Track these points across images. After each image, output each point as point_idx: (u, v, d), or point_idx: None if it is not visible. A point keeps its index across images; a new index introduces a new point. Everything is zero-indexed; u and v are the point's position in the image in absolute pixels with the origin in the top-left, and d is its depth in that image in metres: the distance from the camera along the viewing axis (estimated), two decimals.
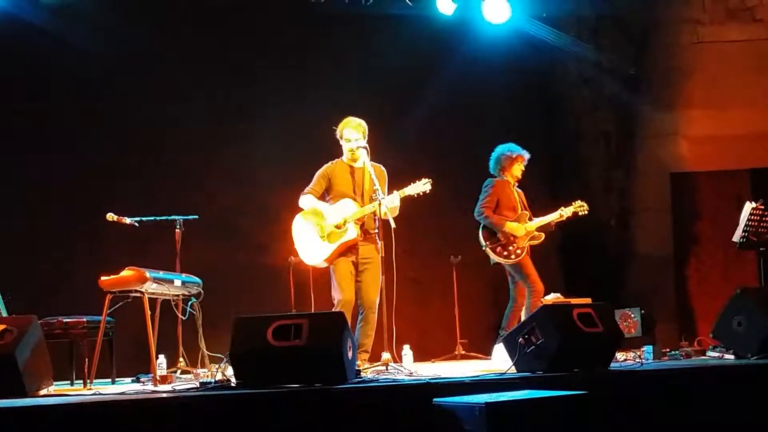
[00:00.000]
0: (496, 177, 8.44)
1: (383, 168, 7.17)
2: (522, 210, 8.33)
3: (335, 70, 9.70)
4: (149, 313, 6.46)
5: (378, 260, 6.74)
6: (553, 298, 9.05)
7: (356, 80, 9.58)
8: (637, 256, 10.27)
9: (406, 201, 6.98)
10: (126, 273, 6.35)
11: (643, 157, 10.51)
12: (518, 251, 8.18)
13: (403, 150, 9.24)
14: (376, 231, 6.80)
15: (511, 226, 8.19)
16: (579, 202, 8.46)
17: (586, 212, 8.47)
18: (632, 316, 9.21)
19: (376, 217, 6.74)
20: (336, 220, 6.95)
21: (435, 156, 9.67)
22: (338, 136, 7.16)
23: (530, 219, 8.29)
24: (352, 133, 7.06)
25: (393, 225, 6.49)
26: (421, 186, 6.98)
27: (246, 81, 9.57)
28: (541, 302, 8.01)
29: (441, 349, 9.41)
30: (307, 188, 7.15)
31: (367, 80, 9.64)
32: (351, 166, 7.15)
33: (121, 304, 6.57)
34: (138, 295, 6.42)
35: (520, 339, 5.69)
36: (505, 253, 8.19)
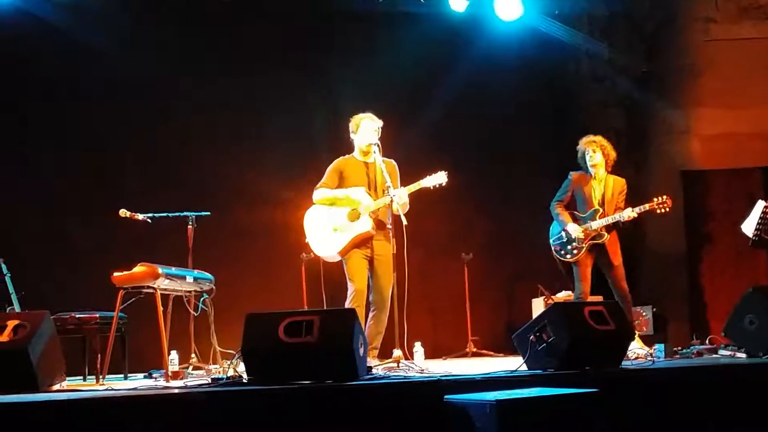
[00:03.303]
0: (578, 170, 8.15)
1: (394, 163, 7.14)
2: (598, 206, 7.92)
3: (347, 68, 9.70)
4: (161, 309, 6.46)
5: (391, 257, 6.69)
6: (564, 295, 9.05)
7: (368, 78, 9.58)
8: (649, 254, 10.22)
9: (420, 195, 6.92)
10: (138, 269, 6.35)
11: (655, 155, 10.47)
12: (574, 251, 7.89)
13: (415, 147, 9.22)
14: (390, 227, 6.78)
15: (570, 228, 7.91)
16: (661, 198, 7.77)
17: (668, 209, 7.80)
18: (644, 314, 9.19)
19: (390, 212, 6.71)
20: (347, 214, 6.91)
21: (446, 153, 9.63)
22: (352, 130, 7.11)
23: (601, 217, 7.86)
24: (371, 125, 7.01)
25: (405, 222, 6.45)
26: (438, 178, 6.88)
27: (258, 77, 9.58)
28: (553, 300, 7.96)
29: (452, 347, 9.41)
30: (319, 183, 7.09)
31: (380, 78, 9.63)
32: (363, 162, 7.12)
33: (133, 300, 6.57)
34: (150, 291, 6.43)
35: (532, 336, 5.67)
36: (563, 251, 7.97)
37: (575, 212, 8.01)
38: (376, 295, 6.91)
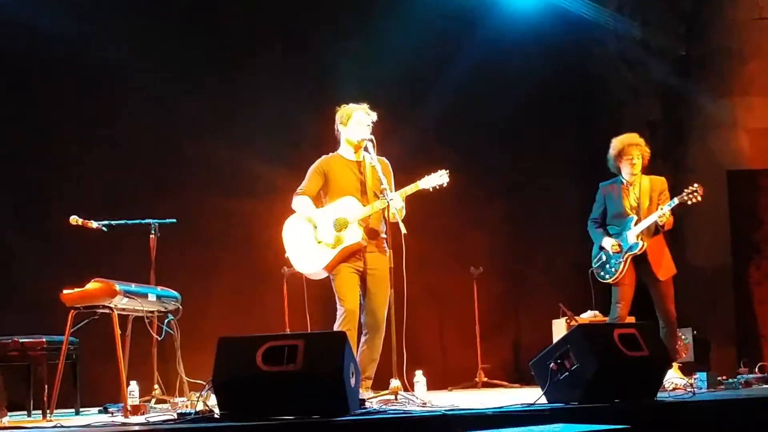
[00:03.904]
0: (610, 180, 8.12)
1: (387, 162, 7.08)
2: (633, 213, 7.88)
3: (338, 53, 9.71)
4: (119, 332, 6.45)
5: (386, 272, 6.63)
6: (589, 316, 9.06)
7: (361, 62, 9.60)
8: (689, 267, 10.22)
9: (419, 198, 6.90)
10: (92, 286, 6.34)
11: (696, 152, 10.50)
12: (612, 270, 7.87)
13: (416, 142, 9.27)
14: (385, 236, 6.77)
15: (605, 243, 7.92)
16: (692, 187, 7.69)
17: (699, 199, 7.70)
18: (683, 337, 9.19)
19: (385, 219, 6.70)
20: (329, 235, 6.84)
21: (449, 149, 9.67)
22: (341, 122, 7.02)
23: (636, 225, 7.82)
24: (365, 118, 6.95)
25: (404, 230, 6.42)
26: (437, 178, 6.83)
27: (234, 67, 9.60)
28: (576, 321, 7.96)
29: (459, 376, 9.42)
30: (299, 187, 7.02)
31: (374, 62, 9.66)
32: (352, 161, 7.05)
33: (86, 321, 6.55)
34: (106, 311, 6.42)
35: (552, 364, 5.68)
36: (602, 273, 7.96)
37: (609, 226, 8.03)
38: (370, 316, 6.88)
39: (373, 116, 6.98)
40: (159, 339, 7.09)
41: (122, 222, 7.63)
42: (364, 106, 7.00)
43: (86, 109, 9.05)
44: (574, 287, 8.56)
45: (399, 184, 6.90)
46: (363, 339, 6.86)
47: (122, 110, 9.19)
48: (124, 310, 6.59)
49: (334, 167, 7.02)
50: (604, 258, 7.95)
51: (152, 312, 6.96)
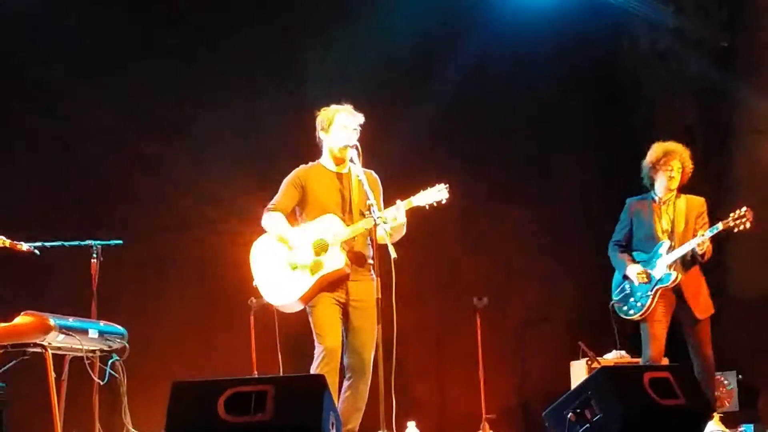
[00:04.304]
0: (641, 195, 8.18)
1: (375, 176, 7.10)
2: (666, 237, 7.92)
3: (315, 43, 9.73)
4: (54, 375, 6.44)
5: (373, 303, 6.56)
6: (614, 357, 9.07)
7: (345, 56, 9.63)
8: (731, 299, 10.26)
9: (412, 216, 6.85)
10: (22, 320, 6.34)
11: (740, 161, 10.54)
12: (638, 304, 7.91)
13: (406, 152, 9.27)
14: (371, 262, 6.76)
15: (630, 271, 7.95)
16: (739, 212, 7.64)
17: (749, 225, 7.67)
18: (726, 383, 9.22)
19: (372, 241, 6.70)
20: (305, 257, 6.81)
21: (454, 158, 9.71)
22: (322, 128, 7.02)
23: (670, 251, 7.84)
24: (350, 121, 6.94)
25: (394, 254, 6.38)
26: (436, 194, 6.81)
27: (194, 56, 9.59)
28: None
29: (459, 428, 9.42)
30: (271, 202, 7.00)
31: (360, 57, 9.69)
32: (335, 173, 7.06)
33: (14, 362, 6.55)
34: (38, 350, 6.41)
35: (570, 414, 5.68)
36: (625, 308, 8.00)
37: (635, 252, 8.03)
38: (354, 356, 6.87)
39: (360, 118, 6.96)
40: (101, 383, 7.08)
41: (58, 243, 7.60)
42: (348, 107, 6.98)
43: (15, 108, 9.03)
44: (597, 323, 8.57)
45: (389, 201, 6.88)
46: (346, 384, 6.84)
47: (58, 108, 9.16)
48: (59, 348, 6.58)
49: (314, 179, 7.00)
50: (627, 289, 7.96)
51: (93, 351, 6.95)
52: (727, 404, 9.26)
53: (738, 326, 10.09)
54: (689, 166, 7.97)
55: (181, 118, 9.51)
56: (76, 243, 7.64)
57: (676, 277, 7.75)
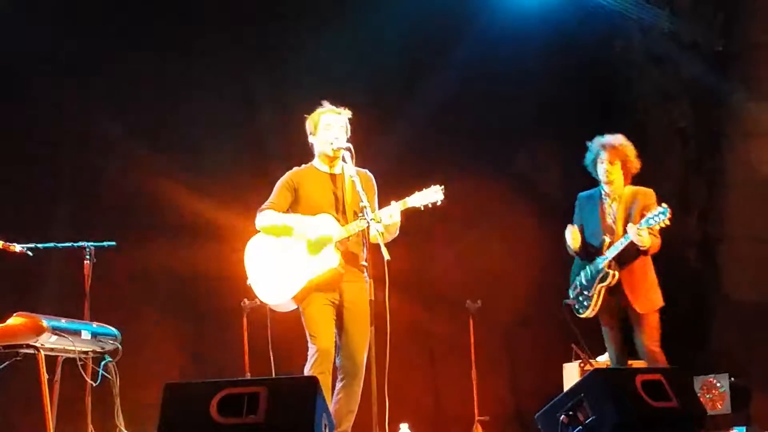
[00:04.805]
0: (592, 190, 8.16)
1: (370, 175, 7.11)
2: (607, 236, 7.86)
3: (316, 47, 9.73)
4: (46, 376, 6.44)
5: (367, 305, 6.55)
6: (607, 359, 9.07)
7: (335, 57, 9.63)
8: (726, 301, 10.27)
9: (405, 217, 6.85)
10: (14, 321, 6.33)
11: (734, 164, 10.54)
12: (585, 303, 7.94)
13: (400, 153, 9.27)
14: (365, 263, 6.76)
15: (581, 267, 8.01)
16: (660, 208, 7.56)
17: (668, 223, 7.56)
18: (718, 385, 9.23)
19: (365, 242, 6.71)
20: (316, 232, 6.79)
21: (448, 159, 9.70)
22: (311, 132, 7.05)
23: (606, 249, 7.83)
24: (334, 120, 6.96)
25: (387, 256, 6.38)
26: (431, 195, 6.77)
27: (192, 57, 9.59)
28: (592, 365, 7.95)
29: (452, 430, 9.41)
30: (265, 203, 7.00)
31: (352, 57, 9.68)
32: (328, 174, 7.07)
33: (6, 364, 6.54)
34: (31, 351, 6.40)
35: (563, 416, 5.69)
36: (576, 305, 8.04)
37: (587, 246, 8.04)
38: (347, 359, 6.87)
39: (346, 114, 6.98)
40: (94, 385, 7.07)
41: (51, 245, 7.59)
42: (330, 107, 7.00)
43: (7, 109, 9.03)
44: (590, 325, 8.56)
45: (384, 202, 6.87)
46: (339, 385, 6.84)
47: (51, 109, 9.15)
48: (52, 350, 6.57)
49: (307, 181, 7.02)
50: (578, 287, 7.97)
51: (86, 353, 6.93)
52: (720, 407, 9.27)
53: (731, 328, 10.11)
54: (632, 162, 7.91)
55: (175, 118, 9.49)
56: (69, 244, 7.62)
57: (613, 275, 7.74)
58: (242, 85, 9.65)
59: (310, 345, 6.80)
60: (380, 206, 6.86)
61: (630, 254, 7.71)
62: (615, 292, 7.75)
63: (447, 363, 10.03)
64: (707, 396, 9.04)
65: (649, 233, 7.54)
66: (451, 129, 10.27)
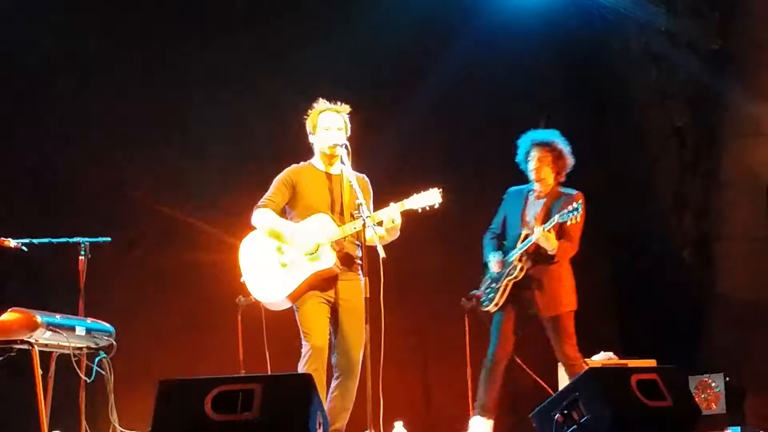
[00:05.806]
0: (523, 185, 8.25)
1: (366, 179, 7.12)
2: (527, 228, 7.93)
3: (313, 46, 9.72)
4: (40, 372, 6.44)
5: (362, 303, 6.57)
6: (603, 358, 9.08)
7: (336, 55, 9.62)
8: (721, 301, 10.26)
9: (403, 217, 6.86)
10: (8, 316, 6.33)
11: (731, 163, 10.53)
12: (491, 296, 8.06)
13: (396, 155, 9.26)
14: (360, 262, 6.76)
15: (491, 258, 8.08)
16: (574, 204, 7.61)
17: (579, 220, 7.62)
18: (713, 385, 9.24)
19: (360, 241, 6.69)
20: (307, 245, 6.86)
21: (444, 160, 9.70)
22: (309, 129, 7.05)
23: (521, 242, 7.91)
24: (333, 119, 6.95)
25: (382, 254, 6.37)
26: (429, 197, 6.78)
27: (190, 56, 9.58)
28: (584, 365, 7.95)
29: (446, 428, 9.41)
30: (262, 199, 7.00)
31: (357, 59, 9.68)
32: (325, 173, 7.07)
33: (1, 359, 6.54)
34: (25, 347, 6.40)
35: (558, 415, 5.69)
36: (483, 298, 8.15)
37: (507, 240, 8.12)
38: (342, 355, 6.87)
39: (343, 115, 6.99)
40: (88, 381, 7.07)
41: (46, 240, 7.59)
42: (328, 105, 7.00)
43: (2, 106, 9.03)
44: (585, 324, 8.56)
45: (381, 203, 6.86)
46: (334, 383, 6.85)
47: (47, 105, 9.14)
48: (46, 346, 6.58)
49: (305, 179, 7.01)
50: (488, 280, 8.01)
51: (80, 348, 6.94)
52: (715, 406, 9.27)
53: (725, 328, 10.10)
54: (564, 160, 8.04)
55: (172, 117, 9.49)
56: (64, 240, 7.63)
57: (521, 269, 7.83)
58: (242, 84, 9.63)
59: (303, 342, 6.81)
60: (376, 209, 6.85)
61: (543, 255, 7.81)
62: (523, 289, 7.86)
63: (442, 361, 10.02)
64: (702, 396, 9.04)
65: (565, 238, 7.71)
66: (450, 130, 10.27)
